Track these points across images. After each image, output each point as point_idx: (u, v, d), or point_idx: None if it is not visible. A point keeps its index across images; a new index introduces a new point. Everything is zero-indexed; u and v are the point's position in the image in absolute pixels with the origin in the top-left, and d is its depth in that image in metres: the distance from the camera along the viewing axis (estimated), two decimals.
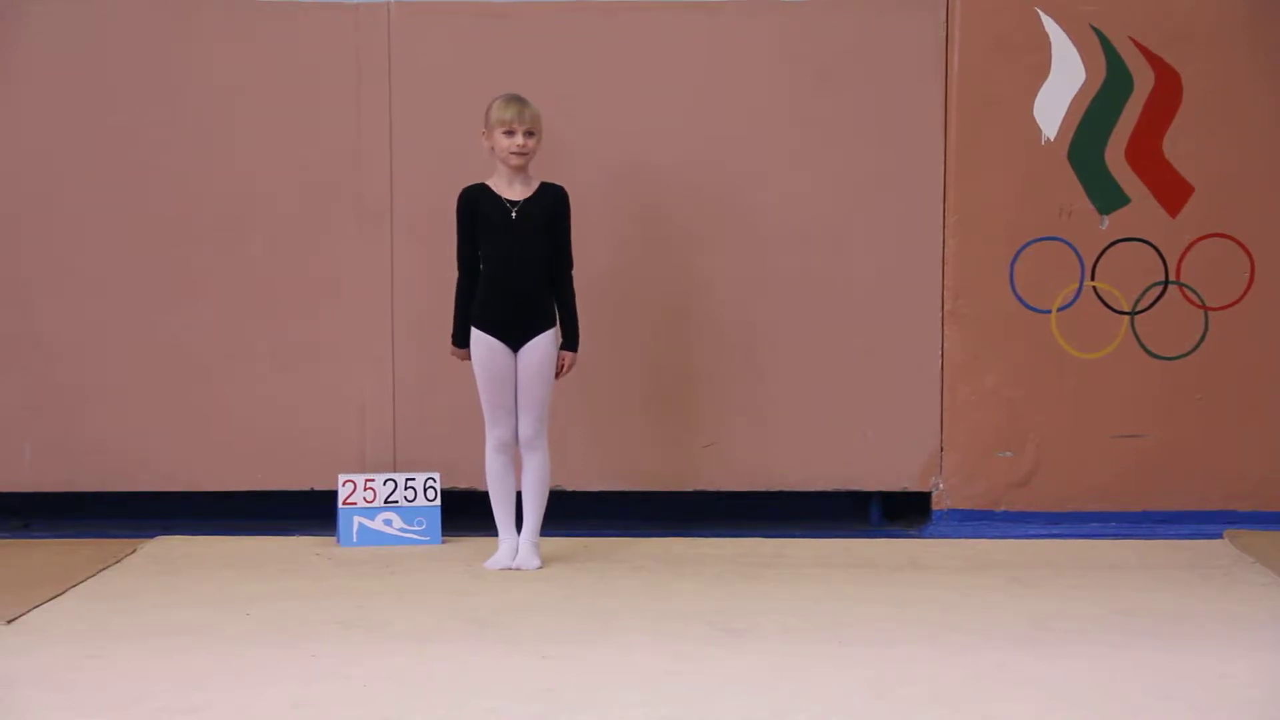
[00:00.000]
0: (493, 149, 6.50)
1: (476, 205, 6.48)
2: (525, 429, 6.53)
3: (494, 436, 6.55)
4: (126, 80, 7.21)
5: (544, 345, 6.51)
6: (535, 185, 6.53)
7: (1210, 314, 7.24)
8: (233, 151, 7.24)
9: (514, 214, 6.45)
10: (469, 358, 6.54)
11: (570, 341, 6.61)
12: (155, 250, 7.26)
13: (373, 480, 7.02)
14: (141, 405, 7.29)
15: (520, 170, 6.50)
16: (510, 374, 6.50)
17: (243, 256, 7.27)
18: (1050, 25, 7.14)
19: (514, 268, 6.46)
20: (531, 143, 6.45)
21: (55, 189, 7.24)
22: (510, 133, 6.44)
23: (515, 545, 6.59)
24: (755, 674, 5.06)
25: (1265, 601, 6.03)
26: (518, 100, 6.47)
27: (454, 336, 6.59)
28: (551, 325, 6.53)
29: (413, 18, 7.20)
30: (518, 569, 6.53)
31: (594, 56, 7.21)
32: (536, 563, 6.56)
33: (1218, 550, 6.91)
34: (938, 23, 7.18)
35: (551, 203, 6.53)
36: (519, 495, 6.64)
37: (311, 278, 7.28)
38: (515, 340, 6.49)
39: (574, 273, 6.59)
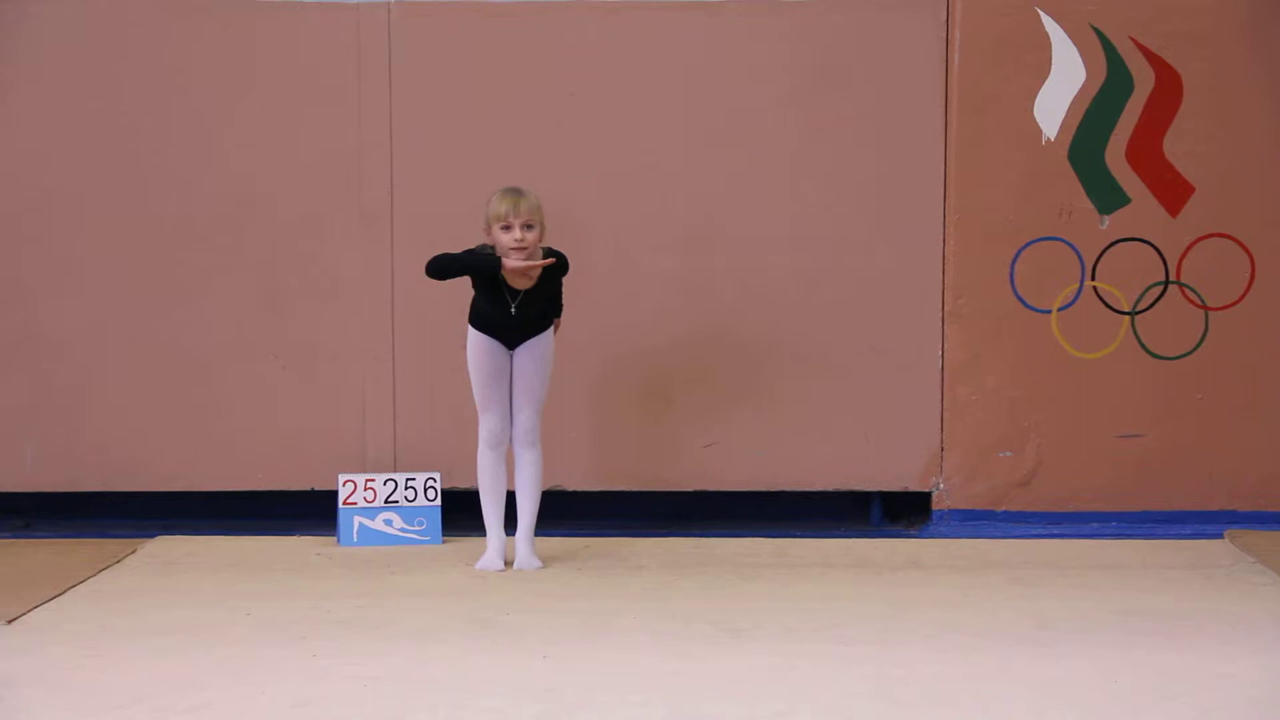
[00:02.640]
0: (495, 246, 6.37)
1: (488, 283, 6.37)
2: (522, 424, 6.53)
3: (485, 428, 6.53)
4: (126, 80, 7.21)
5: (541, 344, 6.50)
6: (538, 256, 6.40)
7: (1210, 314, 7.24)
8: (233, 151, 7.24)
9: (513, 309, 6.40)
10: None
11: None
12: (155, 250, 7.26)
13: (373, 480, 7.02)
14: (141, 405, 7.29)
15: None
16: (505, 371, 6.50)
17: (243, 256, 7.27)
18: (1050, 25, 7.13)
19: (509, 331, 6.46)
20: (531, 235, 6.29)
21: (55, 189, 7.24)
22: (507, 228, 6.31)
23: (503, 544, 6.58)
24: (755, 674, 5.06)
25: (1265, 601, 6.03)
26: (513, 193, 6.33)
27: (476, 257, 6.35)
28: (547, 327, 6.53)
29: (413, 18, 7.20)
30: (519, 570, 6.53)
31: (594, 56, 7.20)
32: (537, 564, 6.56)
33: (1218, 550, 6.91)
34: (938, 23, 7.18)
35: (549, 280, 6.44)
36: (510, 496, 6.63)
37: (311, 278, 7.28)
38: (512, 342, 6.49)
39: (573, 272, 6.57)
